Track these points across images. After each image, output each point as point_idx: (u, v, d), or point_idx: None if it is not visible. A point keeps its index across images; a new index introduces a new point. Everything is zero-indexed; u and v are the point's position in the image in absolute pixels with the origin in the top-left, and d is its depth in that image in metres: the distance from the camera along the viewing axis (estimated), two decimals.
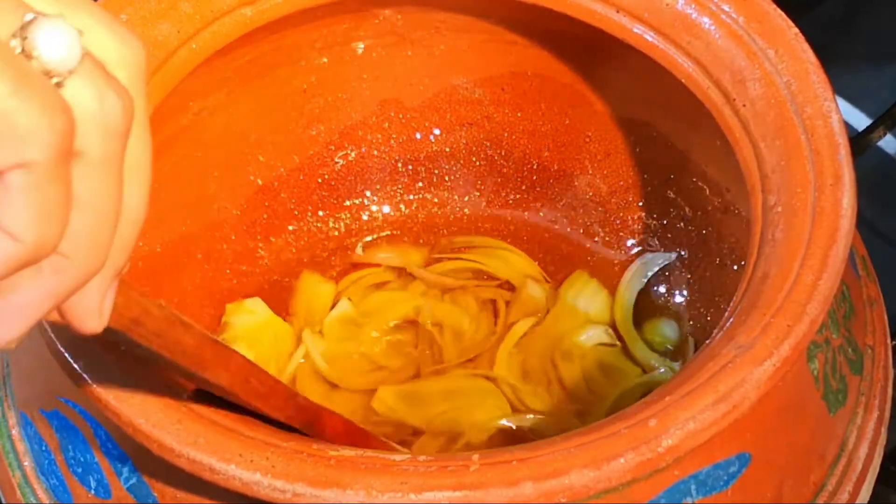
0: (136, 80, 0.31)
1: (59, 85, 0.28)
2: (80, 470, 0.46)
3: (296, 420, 0.45)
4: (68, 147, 0.28)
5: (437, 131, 0.67)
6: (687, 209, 0.63)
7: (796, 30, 0.50)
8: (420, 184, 0.68)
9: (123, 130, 0.30)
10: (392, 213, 0.68)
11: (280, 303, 0.64)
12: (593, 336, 0.62)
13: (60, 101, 0.28)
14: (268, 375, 0.43)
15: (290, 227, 0.66)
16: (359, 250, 0.67)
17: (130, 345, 0.37)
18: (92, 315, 0.32)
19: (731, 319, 0.44)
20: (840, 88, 0.57)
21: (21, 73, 0.27)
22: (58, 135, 0.28)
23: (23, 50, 0.28)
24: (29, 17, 0.28)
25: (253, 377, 0.42)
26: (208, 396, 0.42)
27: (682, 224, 0.64)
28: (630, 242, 0.66)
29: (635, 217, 0.66)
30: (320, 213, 0.67)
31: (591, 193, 0.66)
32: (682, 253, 0.64)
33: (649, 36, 0.53)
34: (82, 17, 0.30)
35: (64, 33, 0.28)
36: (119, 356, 0.42)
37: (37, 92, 0.27)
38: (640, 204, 0.65)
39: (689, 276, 0.63)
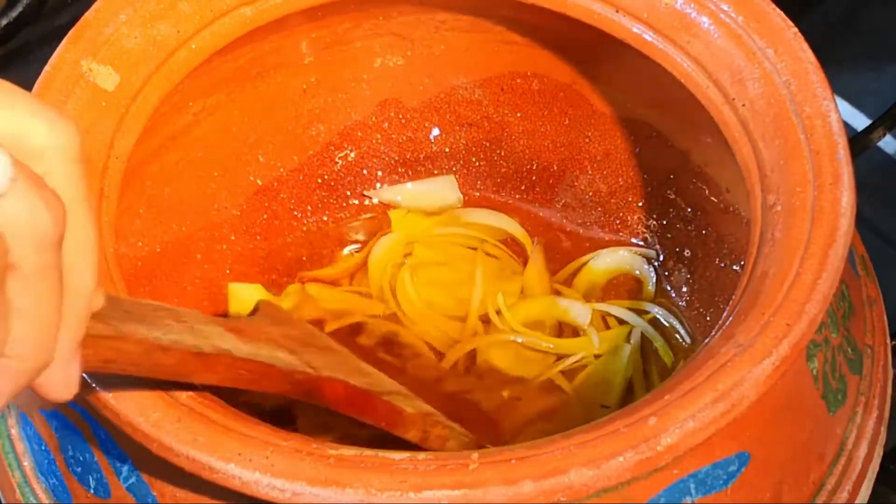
0: (68, 165, 0.32)
1: None
2: (79, 469, 0.46)
3: (296, 394, 0.46)
4: (1, 273, 0.29)
5: (436, 131, 0.67)
6: (687, 209, 0.63)
7: (795, 29, 0.50)
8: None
9: (56, 240, 0.31)
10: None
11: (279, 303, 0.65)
12: None
13: None
14: (257, 363, 0.44)
15: (290, 228, 0.66)
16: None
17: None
18: (59, 387, 0.33)
19: (731, 319, 0.44)
20: (840, 88, 0.57)
21: None
22: None
23: None
24: None
25: (243, 369, 0.43)
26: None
27: (681, 224, 0.64)
28: (630, 242, 0.66)
29: (635, 217, 0.66)
30: (320, 213, 0.67)
31: (590, 193, 0.66)
32: (684, 253, 0.64)
33: (649, 36, 0.53)
34: (12, 105, 0.31)
35: None
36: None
37: None
38: (640, 204, 0.65)
39: (688, 276, 0.63)
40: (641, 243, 0.65)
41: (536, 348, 0.62)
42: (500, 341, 0.62)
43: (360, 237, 0.67)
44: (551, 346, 0.62)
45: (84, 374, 0.41)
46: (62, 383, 0.33)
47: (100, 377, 0.41)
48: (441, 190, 0.67)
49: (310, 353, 0.48)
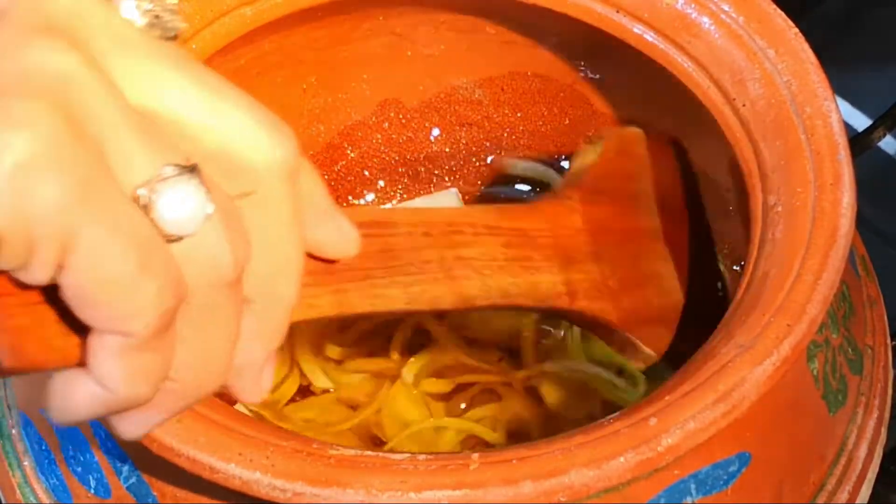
0: (282, 183, 0.31)
1: (172, 240, 0.28)
2: (79, 469, 0.46)
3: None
4: (170, 321, 0.28)
5: (436, 131, 0.67)
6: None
7: (796, 30, 0.50)
8: (420, 184, 0.68)
9: (231, 280, 0.30)
10: None
11: None
12: None
13: (175, 276, 0.28)
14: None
15: None
16: None
17: None
18: (250, 393, 0.33)
19: (731, 319, 0.43)
20: (840, 88, 0.57)
21: (147, 248, 0.27)
22: (163, 314, 0.28)
23: (147, 204, 0.27)
24: (166, 171, 0.28)
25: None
26: None
27: None
28: None
29: None
30: None
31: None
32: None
33: (649, 36, 0.53)
34: (231, 112, 0.30)
35: (194, 198, 0.28)
36: None
37: (156, 270, 0.27)
38: None
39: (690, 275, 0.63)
40: None
41: None
42: None
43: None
44: None
45: None
46: (254, 389, 0.33)
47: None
48: (443, 204, 0.67)
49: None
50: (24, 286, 0.27)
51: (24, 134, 0.25)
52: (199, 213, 0.28)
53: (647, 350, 0.52)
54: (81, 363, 0.29)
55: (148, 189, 0.27)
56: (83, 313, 0.27)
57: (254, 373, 0.33)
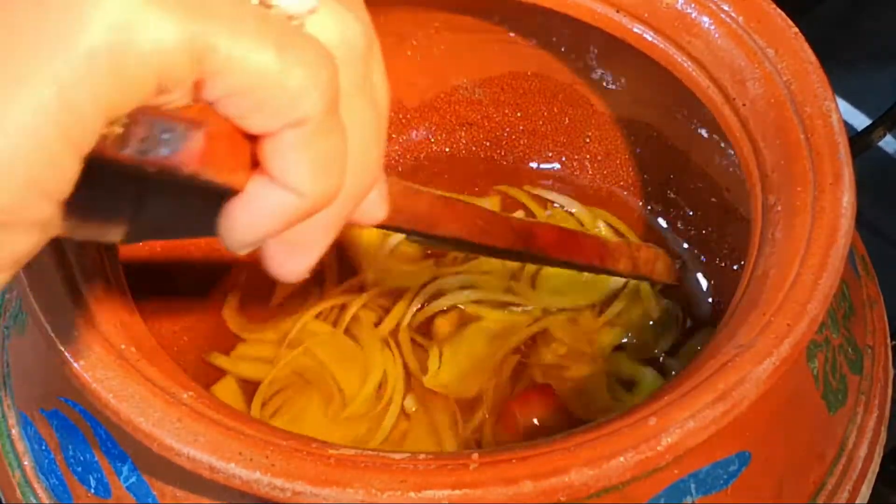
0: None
1: (300, 26, 0.28)
2: (79, 469, 0.46)
3: (517, 244, 0.47)
4: (336, 93, 0.28)
5: (437, 131, 0.67)
6: (687, 209, 0.63)
7: (796, 29, 0.50)
8: (420, 184, 0.68)
9: (367, 51, 0.30)
10: None
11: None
12: None
13: (322, 51, 0.28)
14: (486, 211, 0.45)
15: None
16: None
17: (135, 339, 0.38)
18: (378, 205, 0.33)
19: (731, 319, 0.43)
20: (840, 88, 0.57)
21: (278, 31, 0.27)
22: (326, 85, 0.28)
23: (261, 2, 0.28)
24: None
25: (478, 218, 0.44)
26: None
27: (682, 224, 0.64)
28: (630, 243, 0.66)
29: (635, 217, 0.66)
30: None
31: (591, 193, 0.66)
32: (684, 253, 0.64)
33: (649, 36, 0.53)
34: None
35: None
36: (122, 354, 0.42)
37: (298, 48, 0.27)
38: (640, 204, 0.65)
39: (688, 276, 0.63)
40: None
41: None
42: None
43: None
44: None
45: (85, 374, 0.41)
46: (380, 202, 0.33)
47: (100, 376, 0.41)
48: None
49: None
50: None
51: None
52: None
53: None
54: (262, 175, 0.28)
55: None
56: (249, 120, 0.27)
57: (380, 182, 0.32)
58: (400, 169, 0.67)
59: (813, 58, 0.49)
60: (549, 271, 0.63)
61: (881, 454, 0.50)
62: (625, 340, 0.61)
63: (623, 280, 0.61)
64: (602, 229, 0.65)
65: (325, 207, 0.29)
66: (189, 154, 0.27)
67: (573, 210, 0.66)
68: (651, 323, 0.62)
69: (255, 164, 0.28)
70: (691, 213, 0.63)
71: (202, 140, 0.27)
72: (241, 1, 0.27)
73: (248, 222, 0.29)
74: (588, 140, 0.65)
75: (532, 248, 0.48)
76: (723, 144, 0.50)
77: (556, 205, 0.66)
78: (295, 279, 0.31)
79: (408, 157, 0.67)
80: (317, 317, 0.62)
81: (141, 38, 0.25)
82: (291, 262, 0.30)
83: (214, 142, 0.27)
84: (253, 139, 0.28)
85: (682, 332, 0.62)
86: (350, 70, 0.29)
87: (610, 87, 0.63)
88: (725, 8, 0.51)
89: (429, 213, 0.41)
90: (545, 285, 0.63)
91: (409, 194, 0.39)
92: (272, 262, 0.30)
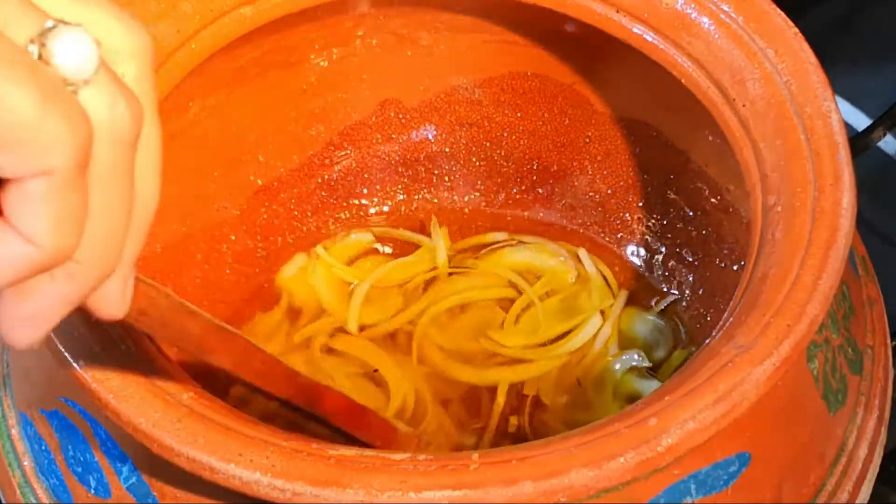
0: (144, 69, 0.31)
1: (72, 93, 0.29)
2: (79, 469, 0.46)
3: (297, 399, 0.46)
4: (87, 154, 0.29)
5: (436, 131, 0.67)
6: (687, 209, 0.63)
7: (796, 29, 0.50)
8: (420, 184, 0.68)
9: (133, 138, 0.30)
10: (392, 214, 0.68)
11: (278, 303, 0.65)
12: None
13: (81, 109, 0.28)
14: (270, 357, 0.44)
15: (291, 228, 0.66)
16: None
17: (135, 339, 0.37)
18: (113, 303, 0.32)
19: (731, 319, 0.43)
20: (840, 88, 0.57)
21: (45, 82, 0.28)
22: (80, 142, 0.28)
23: (40, 56, 0.28)
24: (49, 24, 0.28)
25: (255, 359, 0.43)
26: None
27: (682, 224, 0.64)
28: (630, 243, 0.66)
29: (635, 217, 0.66)
30: (320, 213, 0.67)
31: (591, 193, 0.66)
32: (684, 253, 0.64)
33: (649, 36, 0.53)
34: (91, 8, 0.30)
35: (83, 43, 0.29)
36: (122, 354, 0.42)
37: (60, 101, 0.28)
38: (640, 204, 0.65)
39: (688, 276, 0.63)
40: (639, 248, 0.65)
41: None
42: None
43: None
44: None
45: (85, 374, 0.41)
46: (119, 297, 0.32)
47: (100, 376, 0.41)
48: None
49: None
50: None
51: None
52: (91, 57, 0.29)
53: None
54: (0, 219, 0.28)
55: (38, 41, 0.28)
56: None
57: (123, 275, 0.32)
58: (400, 169, 0.67)
59: (813, 58, 0.49)
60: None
61: (881, 454, 0.50)
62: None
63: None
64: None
65: (57, 264, 0.29)
66: None
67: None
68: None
69: None
70: (691, 214, 0.63)
71: None
72: (20, 49, 0.28)
73: None
74: (588, 140, 0.65)
75: (315, 410, 0.48)
76: (723, 144, 0.50)
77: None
78: (22, 347, 0.31)
79: (408, 157, 0.67)
80: None
81: None
82: (20, 330, 0.30)
83: None
84: None
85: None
86: (109, 150, 0.29)
87: (610, 87, 0.63)
88: (725, 8, 0.51)
89: (200, 338, 0.40)
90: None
91: (179, 312, 0.38)
92: (2, 324, 0.30)
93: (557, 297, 0.64)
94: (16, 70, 0.27)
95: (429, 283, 0.65)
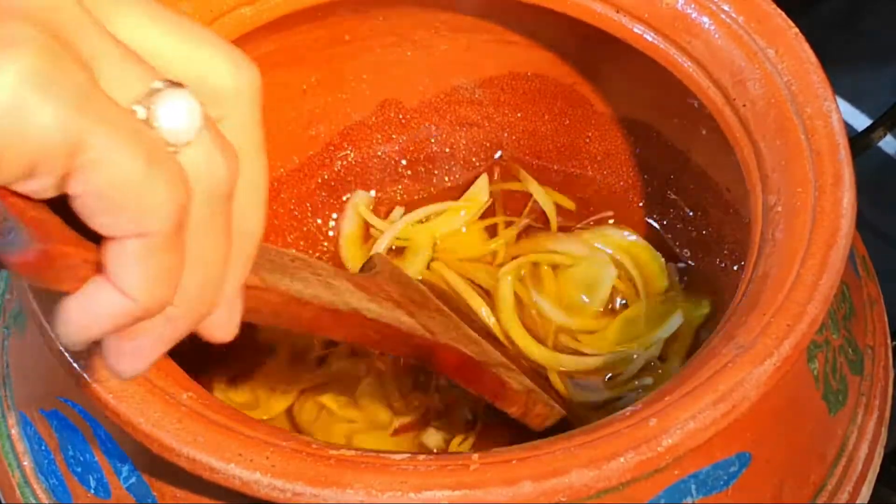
0: (248, 110, 0.32)
1: (171, 153, 0.29)
2: (79, 469, 0.46)
3: (412, 357, 0.48)
4: (185, 216, 0.29)
5: (436, 131, 0.67)
6: (687, 209, 0.63)
7: (796, 30, 0.50)
8: (420, 184, 0.68)
9: (228, 191, 0.31)
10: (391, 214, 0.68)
11: None
12: None
13: (181, 173, 0.29)
14: (384, 324, 0.46)
15: (290, 228, 0.66)
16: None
17: None
18: (220, 329, 0.34)
19: (731, 319, 0.43)
20: (840, 88, 0.57)
21: (150, 146, 0.28)
22: (178, 208, 0.29)
23: (146, 118, 0.29)
24: (156, 84, 0.29)
25: (371, 329, 0.45)
26: None
27: (682, 224, 0.64)
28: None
29: (635, 217, 0.65)
30: (320, 213, 0.67)
31: (591, 193, 0.66)
32: (684, 253, 0.64)
33: (649, 36, 0.53)
34: (199, 45, 0.31)
35: (188, 106, 0.29)
36: None
37: (163, 165, 0.28)
38: (640, 204, 0.65)
39: (688, 276, 0.63)
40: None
41: None
42: None
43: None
44: None
45: (85, 374, 0.41)
46: (225, 325, 0.34)
47: (99, 376, 0.41)
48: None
49: (426, 317, 0.49)
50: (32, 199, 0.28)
51: (18, 52, 0.26)
52: (195, 120, 0.29)
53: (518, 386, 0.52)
54: (99, 272, 0.29)
55: (144, 103, 0.29)
56: (100, 220, 0.28)
57: (228, 306, 0.33)
58: (400, 169, 0.67)
59: (813, 58, 0.49)
60: None
61: (881, 455, 0.50)
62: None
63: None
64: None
65: (153, 315, 0.30)
66: (23, 262, 0.28)
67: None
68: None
69: (95, 266, 0.30)
70: (691, 214, 0.63)
71: (37, 254, 0.28)
72: (127, 112, 0.28)
73: (81, 320, 0.30)
74: (588, 140, 0.65)
75: (430, 366, 0.50)
76: (723, 144, 0.50)
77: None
78: (127, 378, 0.32)
79: (408, 157, 0.67)
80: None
81: (28, 117, 0.27)
82: (125, 363, 0.32)
83: (50, 258, 0.29)
84: (96, 238, 0.29)
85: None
86: (205, 206, 0.30)
87: (610, 87, 0.63)
88: (725, 8, 0.51)
89: (311, 322, 0.42)
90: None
91: (289, 303, 0.40)
92: (108, 360, 0.32)
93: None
94: (121, 134, 0.28)
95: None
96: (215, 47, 0.31)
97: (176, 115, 0.29)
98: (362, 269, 0.54)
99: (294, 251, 0.41)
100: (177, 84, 0.29)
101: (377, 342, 0.46)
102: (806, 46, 0.49)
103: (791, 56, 0.49)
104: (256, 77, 0.32)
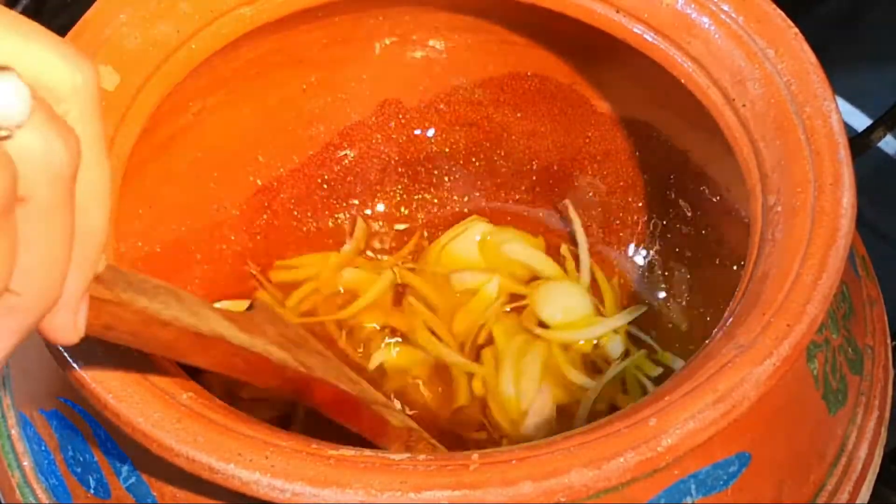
0: (86, 106, 0.32)
1: (4, 137, 0.29)
2: (79, 470, 0.46)
3: (286, 391, 0.46)
4: (10, 202, 0.29)
5: (436, 131, 0.67)
6: (687, 210, 0.63)
7: (796, 30, 0.50)
8: (420, 184, 0.68)
9: (70, 173, 0.30)
10: (392, 214, 0.68)
11: (279, 303, 0.65)
12: None
13: (6, 157, 0.29)
14: (252, 353, 0.44)
15: (290, 228, 0.66)
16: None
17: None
18: (63, 331, 0.33)
19: (731, 319, 0.43)
20: (840, 88, 0.57)
21: None
22: (2, 191, 0.28)
23: None
24: None
25: (237, 357, 0.43)
26: None
27: (681, 224, 0.64)
28: (630, 243, 0.66)
29: (635, 217, 0.66)
30: (320, 213, 0.67)
31: (590, 194, 0.66)
32: (684, 253, 0.64)
33: (649, 36, 0.53)
34: (32, 44, 0.31)
35: (15, 90, 0.29)
36: (121, 354, 0.42)
37: None
38: (640, 204, 0.65)
39: (688, 276, 0.63)
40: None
41: None
42: None
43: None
44: None
45: (85, 374, 0.41)
46: (70, 325, 0.33)
47: (99, 376, 0.41)
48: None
49: (303, 354, 0.48)
50: None
51: None
52: (24, 102, 0.29)
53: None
54: None
55: None
56: None
57: (71, 304, 0.33)
58: (400, 169, 0.67)
59: (813, 58, 0.49)
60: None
61: (881, 454, 0.50)
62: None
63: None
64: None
65: None
66: None
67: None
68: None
69: None
70: (691, 214, 0.63)
71: None
72: None
73: None
74: (588, 140, 0.65)
75: (305, 401, 0.48)
76: (723, 144, 0.50)
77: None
78: None
79: (408, 157, 0.67)
80: None
81: None
82: None
83: None
84: None
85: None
86: (45, 187, 0.30)
87: (610, 87, 0.63)
88: (725, 8, 0.51)
89: (172, 344, 0.40)
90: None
91: (149, 323, 0.39)
92: None
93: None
94: None
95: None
96: (47, 45, 0.31)
97: (3, 100, 0.28)
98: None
99: (158, 280, 0.40)
100: (2, 68, 0.29)
101: (245, 371, 0.44)
102: (806, 46, 0.49)
103: (791, 56, 0.49)
104: (92, 73, 0.32)
